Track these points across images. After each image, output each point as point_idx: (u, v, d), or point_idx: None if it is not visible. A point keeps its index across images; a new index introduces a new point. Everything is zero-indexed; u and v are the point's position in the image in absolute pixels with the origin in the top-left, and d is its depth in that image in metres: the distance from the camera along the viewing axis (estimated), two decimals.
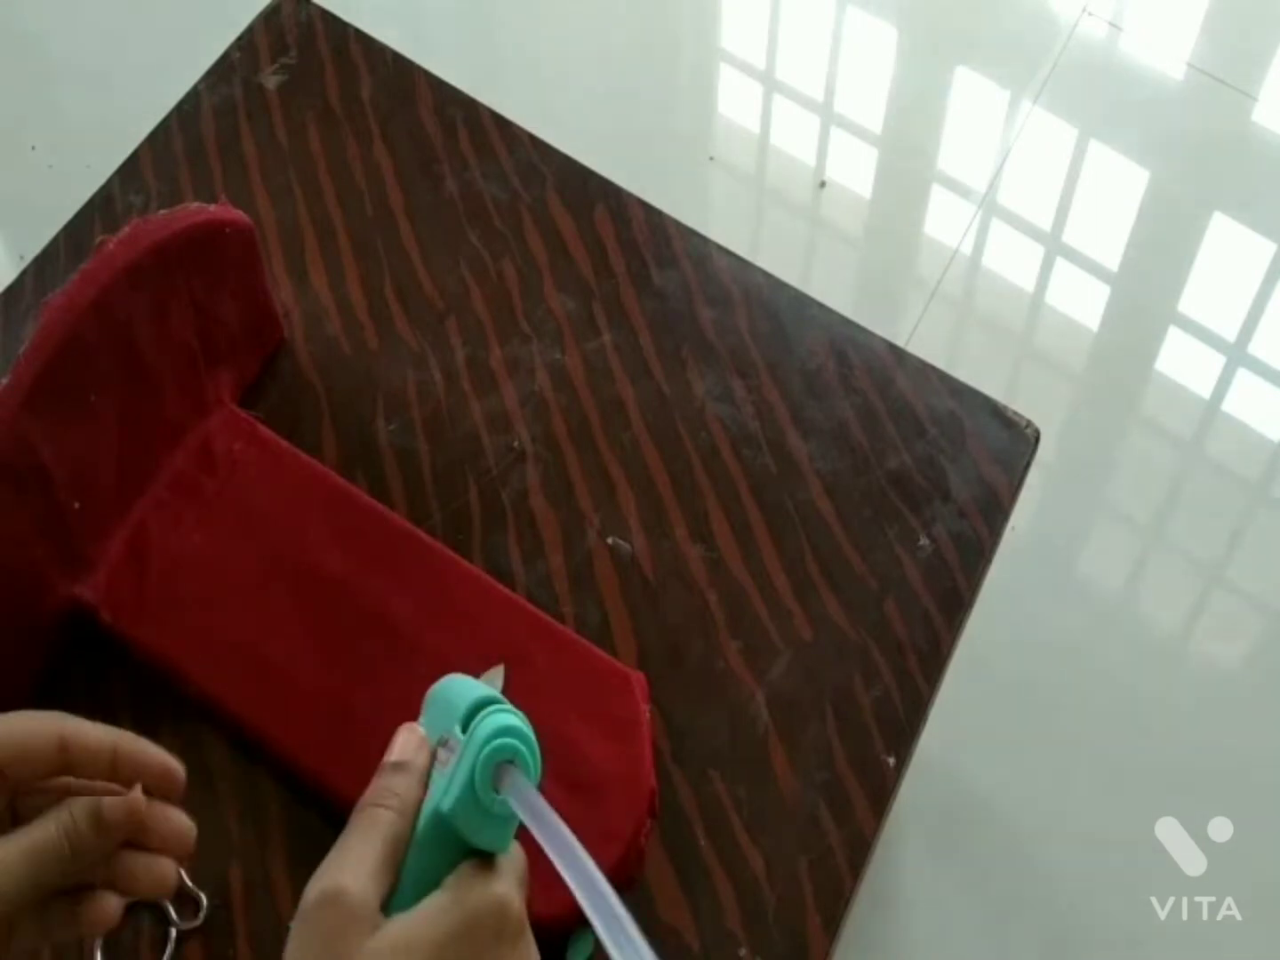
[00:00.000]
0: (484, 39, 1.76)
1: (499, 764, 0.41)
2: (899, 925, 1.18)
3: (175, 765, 0.48)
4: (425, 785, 0.44)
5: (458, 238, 0.74)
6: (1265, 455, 1.43)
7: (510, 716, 0.43)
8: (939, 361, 0.70)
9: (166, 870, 0.47)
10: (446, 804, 0.41)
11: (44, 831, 0.45)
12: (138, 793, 0.46)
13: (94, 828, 0.45)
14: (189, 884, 0.57)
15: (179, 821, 0.47)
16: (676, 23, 1.76)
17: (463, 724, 0.44)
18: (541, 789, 0.42)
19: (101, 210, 0.75)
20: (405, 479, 0.66)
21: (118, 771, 0.46)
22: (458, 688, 0.46)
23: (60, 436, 0.56)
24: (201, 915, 0.56)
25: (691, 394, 0.69)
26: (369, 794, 0.45)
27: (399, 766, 0.45)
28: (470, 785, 0.41)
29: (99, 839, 0.46)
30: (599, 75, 1.68)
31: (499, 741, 0.41)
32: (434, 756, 0.45)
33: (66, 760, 0.46)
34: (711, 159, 1.62)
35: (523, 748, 0.42)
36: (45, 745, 0.46)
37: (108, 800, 0.46)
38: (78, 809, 0.45)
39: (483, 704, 0.44)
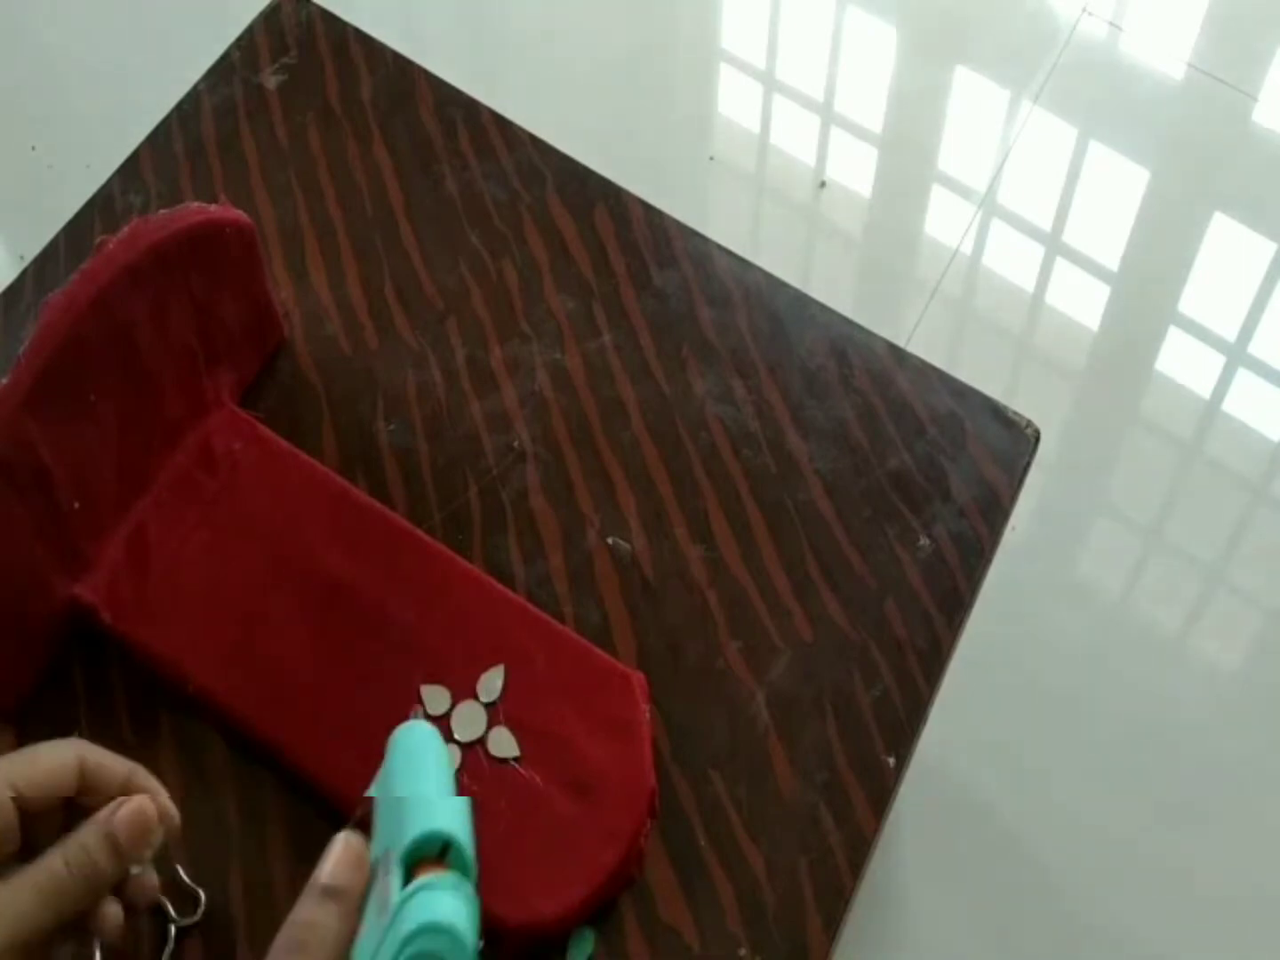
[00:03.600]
0: (484, 39, 1.76)
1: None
2: (899, 925, 1.18)
3: (174, 812, 0.49)
4: (357, 915, 0.41)
5: (458, 238, 0.74)
6: (1265, 455, 1.43)
7: (442, 904, 0.40)
8: (939, 361, 0.70)
9: (154, 879, 0.49)
10: None
11: (52, 867, 0.44)
12: (146, 802, 0.47)
13: (108, 852, 0.45)
14: (188, 881, 0.57)
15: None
16: (676, 23, 1.76)
17: (404, 859, 0.41)
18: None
19: (101, 210, 0.75)
20: (405, 479, 0.66)
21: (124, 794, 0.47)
22: (413, 774, 0.44)
23: (60, 436, 0.56)
24: (200, 911, 0.56)
25: (691, 394, 0.69)
26: (292, 920, 0.41)
27: (329, 892, 0.42)
28: None
29: (113, 864, 0.45)
30: (599, 75, 1.68)
31: (422, 945, 0.39)
32: (374, 874, 0.42)
33: (82, 787, 0.46)
34: (711, 159, 1.62)
35: (448, 951, 0.39)
36: (68, 775, 0.46)
37: (118, 818, 0.46)
38: (89, 837, 0.45)
39: (427, 842, 0.41)
